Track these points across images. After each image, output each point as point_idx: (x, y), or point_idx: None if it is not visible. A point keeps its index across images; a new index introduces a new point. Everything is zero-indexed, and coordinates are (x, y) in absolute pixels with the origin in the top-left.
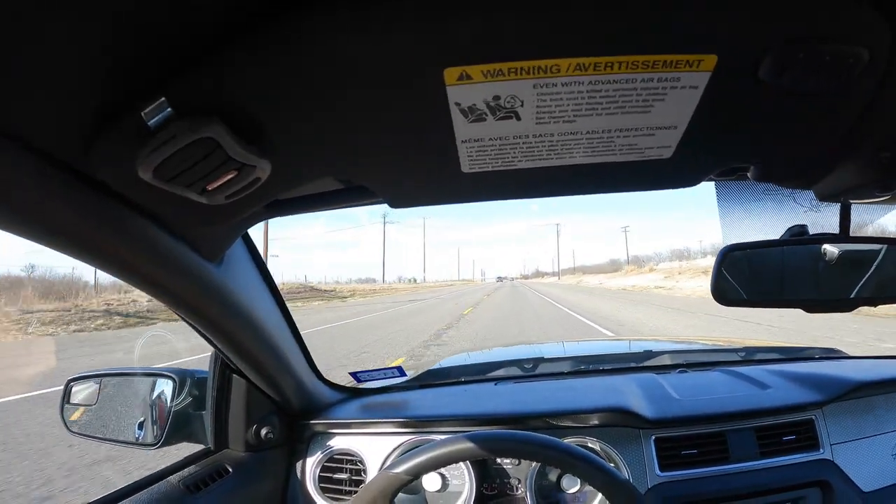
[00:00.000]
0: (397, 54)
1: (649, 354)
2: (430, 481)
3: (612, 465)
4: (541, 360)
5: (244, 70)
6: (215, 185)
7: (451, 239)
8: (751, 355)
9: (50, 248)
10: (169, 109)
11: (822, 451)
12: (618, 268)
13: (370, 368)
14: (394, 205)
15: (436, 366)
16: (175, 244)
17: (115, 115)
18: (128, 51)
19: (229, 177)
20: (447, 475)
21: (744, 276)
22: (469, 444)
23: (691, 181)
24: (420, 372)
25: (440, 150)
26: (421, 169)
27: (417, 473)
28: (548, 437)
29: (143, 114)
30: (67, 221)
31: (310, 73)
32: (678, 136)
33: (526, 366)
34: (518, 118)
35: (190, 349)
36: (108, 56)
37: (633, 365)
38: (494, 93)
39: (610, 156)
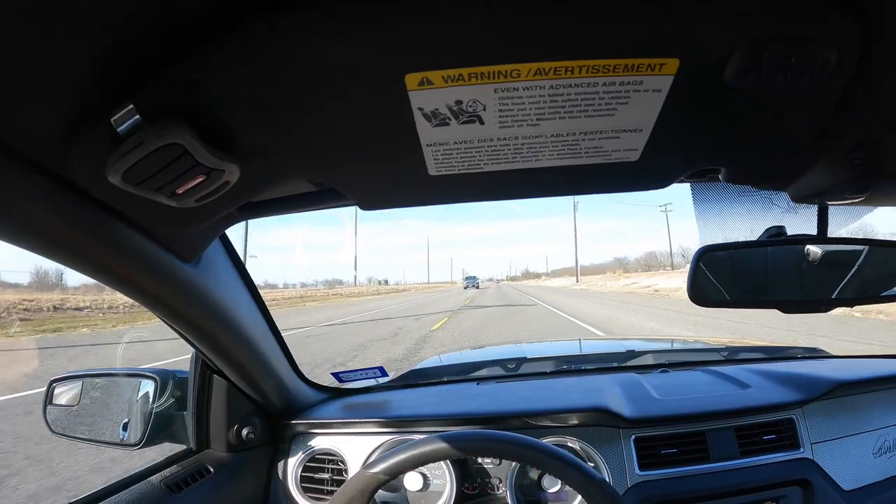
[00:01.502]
0: (358, 60)
1: (632, 354)
2: (412, 480)
3: (591, 464)
4: (524, 359)
5: (209, 76)
6: (184, 188)
7: (433, 240)
8: (733, 355)
9: (29, 250)
10: (137, 116)
11: (802, 450)
12: (623, 266)
13: (352, 369)
14: (364, 207)
15: (419, 366)
16: (150, 246)
17: (86, 120)
18: (96, 58)
19: (198, 181)
20: (428, 474)
21: (722, 277)
22: (445, 444)
23: (661, 183)
24: (403, 372)
25: (406, 154)
26: (388, 172)
27: (395, 473)
28: (524, 436)
29: (112, 120)
30: (43, 223)
31: (274, 78)
32: (644, 139)
33: (509, 365)
34: (481, 122)
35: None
36: (77, 63)
37: (615, 365)
38: (456, 97)
39: (576, 158)
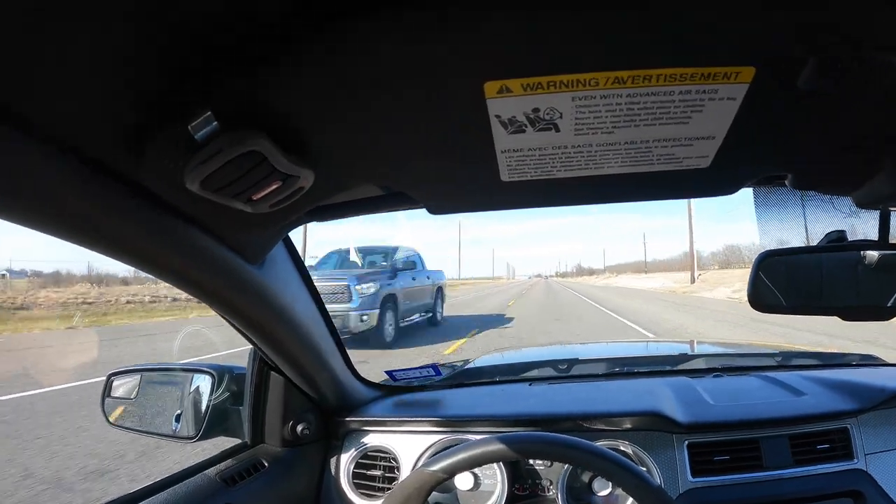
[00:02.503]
0: (439, 68)
1: (684, 357)
2: (463, 480)
3: (643, 469)
4: (575, 361)
5: (287, 83)
6: (260, 195)
7: (482, 237)
8: (787, 360)
9: (101, 253)
10: (215, 123)
11: (856, 461)
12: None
13: (406, 367)
14: (433, 211)
15: (470, 365)
16: (218, 248)
17: (162, 127)
18: (174, 65)
19: (274, 187)
20: (479, 475)
21: (781, 282)
22: (503, 445)
23: (729, 189)
24: (454, 371)
25: (480, 160)
26: (461, 177)
27: (453, 472)
28: (582, 440)
29: (189, 127)
30: (114, 226)
31: (352, 85)
32: (716, 146)
33: (560, 366)
34: (557, 129)
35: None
36: (154, 70)
37: (667, 368)
38: (534, 105)
39: (647, 165)
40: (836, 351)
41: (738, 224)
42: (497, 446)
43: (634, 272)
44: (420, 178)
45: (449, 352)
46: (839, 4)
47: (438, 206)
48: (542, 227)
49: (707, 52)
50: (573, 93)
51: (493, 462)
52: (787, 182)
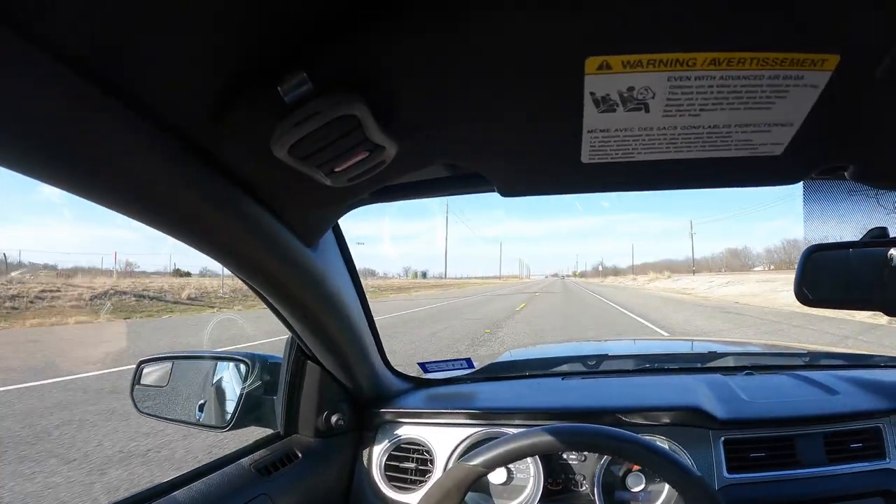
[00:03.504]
0: (541, 41)
1: (714, 355)
2: (496, 474)
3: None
4: (605, 356)
5: (385, 49)
6: (344, 166)
7: (498, 234)
8: (815, 360)
9: (157, 226)
10: (309, 84)
11: (888, 460)
12: (740, 258)
13: (438, 360)
14: (504, 194)
15: (499, 359)
16: (278, 227)
17: (247, 88)
18: (265, 21)
19: (359, 158)
20: (513, 469)
21: (827, 277)
22: (547, 438)
23: (795, 179)
24: (483, 365)
25: (564, 140)
26: (540, 157)
27: (493, 466)
28: (626, 432)
29: (279, 88)
30: (179, 196)
31: (452, 56)
32: (791, 133)
33: (590, 362)
34: (647, 110)
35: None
36: (244, 26)
37: (698, 365)
38: (630, 84)
39: (725, 151)
40: (862, 352)
41: (788, 218)
42: (539, 439)
43: (670, 272)
44: (499, 157)
45: None
46: None
47: (511, 189)
48: (560, 227)
49: (797, 36)
50: (669, 72)
51: (534, 455)
52: (846, 174)
